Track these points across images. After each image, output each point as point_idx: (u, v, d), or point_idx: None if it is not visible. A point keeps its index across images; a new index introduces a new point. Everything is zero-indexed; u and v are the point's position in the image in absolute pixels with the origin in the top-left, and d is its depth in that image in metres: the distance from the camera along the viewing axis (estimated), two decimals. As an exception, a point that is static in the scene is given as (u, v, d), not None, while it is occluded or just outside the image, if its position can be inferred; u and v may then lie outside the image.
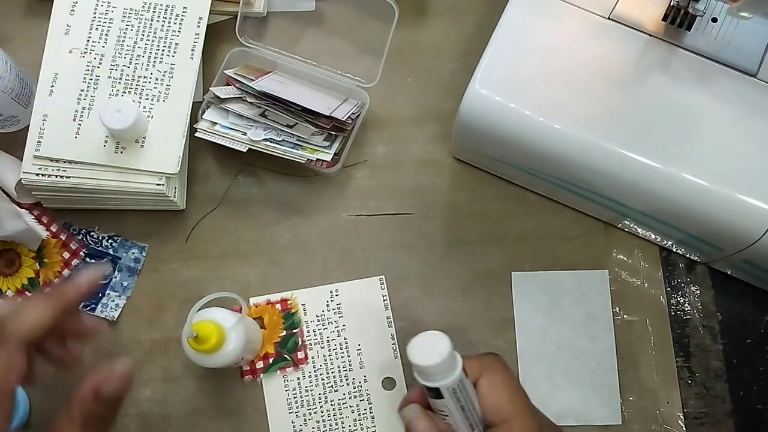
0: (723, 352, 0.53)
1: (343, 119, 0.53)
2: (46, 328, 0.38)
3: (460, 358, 0.39)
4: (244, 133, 0.52)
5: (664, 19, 0.50)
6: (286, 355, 0.52)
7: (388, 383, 0.53)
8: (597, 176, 0.48)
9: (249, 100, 0.53)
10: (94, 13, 0.53)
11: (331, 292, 0.54)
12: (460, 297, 0.54)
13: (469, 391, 0.39)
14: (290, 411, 0.52)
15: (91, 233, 0.55)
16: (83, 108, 0.52)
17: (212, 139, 0.52)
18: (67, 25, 0.53)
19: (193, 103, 0.53)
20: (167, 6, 0.54)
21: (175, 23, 0.53)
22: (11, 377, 0.36)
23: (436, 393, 0.38)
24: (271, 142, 0.52)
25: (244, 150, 0.52)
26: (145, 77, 0.52)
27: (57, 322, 0.38)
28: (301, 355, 0.52)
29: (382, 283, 0.54)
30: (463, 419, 0.39)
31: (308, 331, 0.53)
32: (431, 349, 0.38)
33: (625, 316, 0.54)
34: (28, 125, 0.51)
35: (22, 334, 0.37)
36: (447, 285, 0.55)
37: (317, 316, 0.53)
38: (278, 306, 0.54)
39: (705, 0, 0.48)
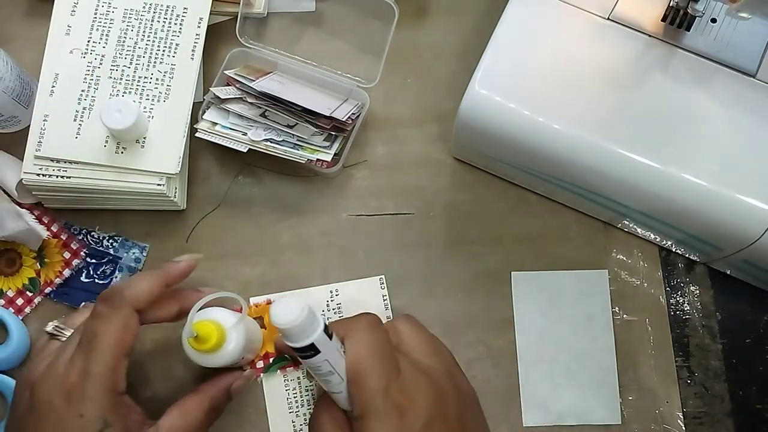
0: (722, 351, 0.53)
1: (343, 119, 0.53)
2: (154, 296, 0.44)
3: (321, 318, 0.41)
4: (245, 134, 0.52)
5: (664, 19, 0.50)
6: (286, 355, 0.52)
7: (388, 383, 0.53)
8: (596, 176, 0.48)
9: (249, 100, 0.53)
10: (95, 14, 0.53)
11: (331, 292, 0.54)
12: (460, 297, 0.54)
13: (334, 350, 0.41)
14: (290, 410, 0.52)
15: (92, 233, 0.55)
16: (84, 108, 0.52)
17: (212, 140, 0.52)
18: (68, 26, 0.53)
19: (194, 103, 0.53)
20: (168, 7, 0.54)
21: (175, 24, 0.54)
22: (128, 337, 0.42)
23: (308, 351, 0.40)
24: (271, 142, 0.52)
25: (245, 150, 0.52)
26: (145, 78, 0.53)
27: (161, 293, 0.45)
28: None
29: (382, 283, 0.54)
30: (330, 377, 0.41)
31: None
32: (288, 310, 0.40)
33: (624, 315, 0.54)
34: (29, 125, 0.51)
35: (136, 300, 0.43)
36: (447, 285, 0.55)
37: (317, 316, 0.53)
38: (278, 306, 0.54)
39: (704, 0, 0.49)
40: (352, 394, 0.41)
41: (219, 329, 0.45)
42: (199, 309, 0.45)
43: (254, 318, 0.53)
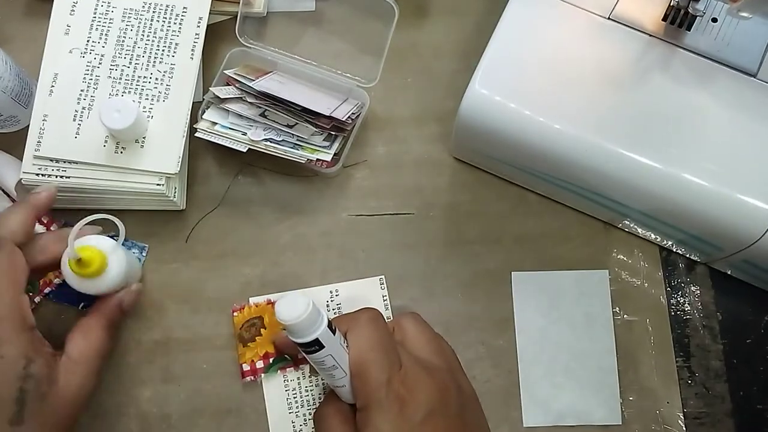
0: (723, 352, 0.53)
1: (343, 119, 0.53)
2: (29, 227, 0.46)
3: (325, 313, 0.42)
4: (244, 133, 0.52)
5: (664, 19, 0.50)
6: (286, 355, 0.52)
7: (388, 383, 0.53)
8: (597, 176, 0.48)
9: (249, 100, 0.53)
10: (94, 14, 0.53)
11: (331, 292, 0.54)
12: (460, 297, 0.54)
13: (337, 345, 0.42)
14: (290, 411, 0.52)
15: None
16: (83, 108, 0.52)
17: (212, 139, 0.52)
18: (67, 25, 0.53)
19: (193, 103, 0.53)
20: (167, 6, 0.54)
21: (175, 23, 0.53)
22: (19, 273, 0.43)
23: (312, 346, 0.41)
24: (271, 142, 0.52)
25: (244, 150, 0.52)
26: (145, 77, 0.53)
27: (34, 223, 0.46)
28: (301, 355, 0.52)
29: (382, 283, 0.54)
30: (334, 371, 0.42)
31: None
32: (294, 306, 0.41)
33: (625, 316, 0.54)
34: (28, 125, 0.51)
35: (14, 235, 0.44)
36: (447, 285, 0.55)
37: (317, 316, 0.53)
38: (278, 306, 0.54)
39: (705, 0, 0.48)
40: (355, 386, 0.42)
41: (100, 254, 0.45)
42: (80, 233, 0.45)
43: (254, 318, 0.53)
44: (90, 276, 0.45)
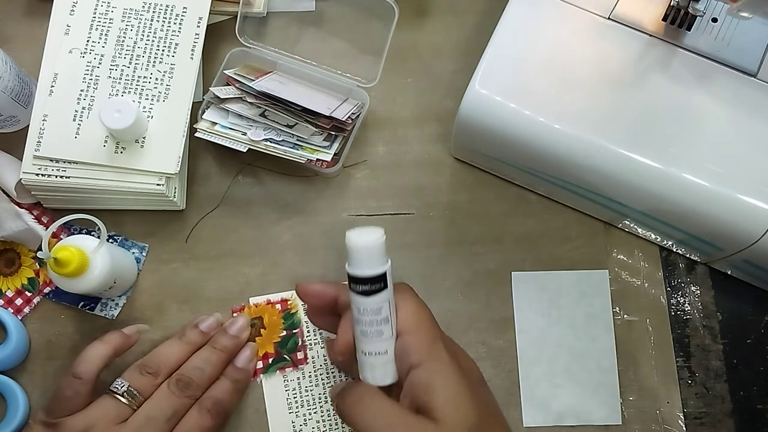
0: (723, 352, 0.53)
1: (343, 119, 0.53)
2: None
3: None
4: (244, 133, 0.52)
5: (664, 19, 0.50)
6: (285, 355, 0.52)
7: (388, 383, 0.53)
8: (597, 176, 0.48)
9: (249, 100, 0.53)
10: (94, 14, 0.53)
11: (331, 292, 0.54)
12: (460, 297, 0.54)
13: (392, 294, 0.40)
14: (290, 411, 0.52)
15: (92, 233, 0.55)
16: (83, 108, 0.52)
17: (212, 139, 0.52)
18: (67, 25, 0.53)
19: (193, 103, 0.53)
20: (167, 6, 0.54)
21: (175, 23, 0.53)
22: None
23: (378, 283, 0.39)
24: (271, 142, 0.52)
25: (244, 150, 0.52)
26: (145, 77, 0.52)
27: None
28: (300, 355, 0.52)
29: (382, 283, 0.54)
30: (384, 326, 0.40)
31: (308, 331, 0.53)
32: (369, 231, 0.39)
33: (625, 316, 0.54)
34: (28, 125, 0.51)
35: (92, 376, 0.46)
36: (447, 285, 0.55)
37: (317, 316, 0.53)
38: (278, 306, 0.54)
39: (705, 0, 0.48)
40: (410, 343, 0.40)
41: (80, 253, 0.45)
42: (59, 234, 0.45)
43: (253, 318, 0.53)
44: (71, 275, 0.45)
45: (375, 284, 0.39)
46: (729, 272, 0.54)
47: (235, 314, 0.53)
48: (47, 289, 0.54)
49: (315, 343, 0.53)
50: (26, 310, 0.54)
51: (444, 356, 0.40)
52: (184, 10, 0.54)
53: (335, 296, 0.45)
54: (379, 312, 0.40)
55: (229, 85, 0.54)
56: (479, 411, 0.39)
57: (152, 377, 0.47)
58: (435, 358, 0.40)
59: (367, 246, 0.39)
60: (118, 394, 0.46)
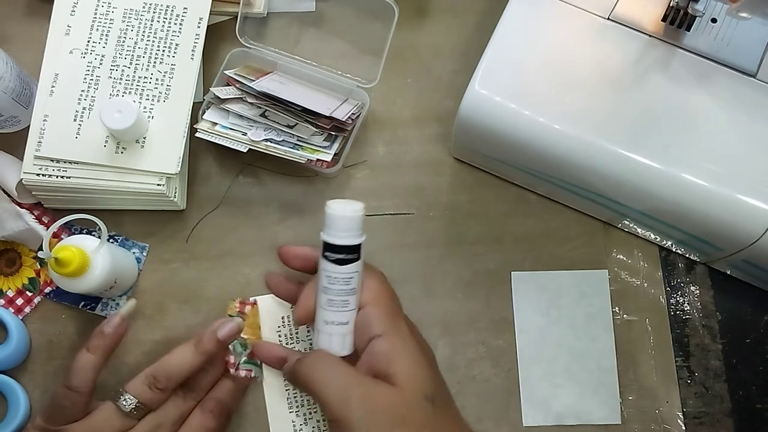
0: (722, 351, 0.53)
1: (343, 119, 0.53)
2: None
3: None
4: (245, 134, 0.52)
5: (664, 19, 0.50)
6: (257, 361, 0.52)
7: (388, 383, 0.53)
8: (597, 176, 0.48)
9: (249, 100, 0.53)
10: (95, 14, 0.53)
11: (331, 292, 0.54)
12: (460, 297, 0.54)
13: (362, 268, 0.44)
14: (290, 410, 0.52)
15: (92, 233, 0.55)
16: (84, 108, 0.52)
17: (212, 140, 0.52)
18: (68, 26, 0.53)
19: (194, 103, 0.53)
20: (167, 6, 0.54)
21: (175, 24, 0.54)
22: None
23: (353, 254, 0.42)
24: (271, 142, 0.52)
25: (245, 150, 0.52)
26: (145, 78, 0.53)
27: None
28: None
29: (382, 283, 0.54)
30: (350, 297, 0.42)
31: (308, 331, 0.53)
32: (350, 202, 0.42)
33: (624, 315, 0.54)
34: (29, 125, 0.51)
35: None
36: (447, 285, 0.55)
37: (317, 316, 0.53)
38: (278, 306, 0.54)
39: (704, 0, 0.49)
40: (373, 315, 0.43)
41: (81, 253, 0.45)
42: (60, 233, 0.45)
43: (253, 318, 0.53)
44: (72, 275, 0.45)
45: (350, 254, 0.42)
46: (728, 272, 0.54)
47: (246, 306, 0.53)
48: (48, 289, 0.54)
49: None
50: (27, 309, 0.54)
51: (405, 330, 0.43)
52: (185, 10, 0.54)
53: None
54: (349, 282, 0.42)
55: (230, 85, 0.54)
56: (436, 383, 0.42)
57: (162, 393, 0.45)
58: (396, 331, 0.42)
59: (345, 216, 0.42)
60: (126, 411, 0.45)
